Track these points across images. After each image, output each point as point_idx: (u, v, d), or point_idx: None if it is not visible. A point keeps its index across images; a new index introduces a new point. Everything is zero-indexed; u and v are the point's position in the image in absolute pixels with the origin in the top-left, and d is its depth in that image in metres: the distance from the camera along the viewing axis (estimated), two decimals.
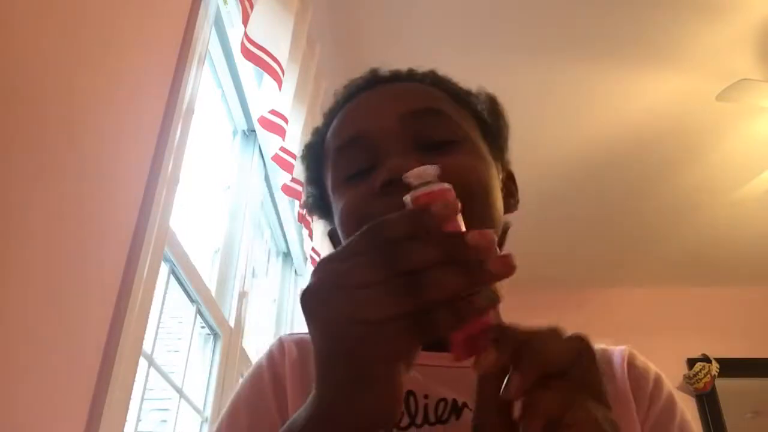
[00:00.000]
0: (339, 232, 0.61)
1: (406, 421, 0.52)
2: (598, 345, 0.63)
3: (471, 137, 0.60)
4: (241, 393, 0.60)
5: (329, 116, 0.67)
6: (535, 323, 0.37)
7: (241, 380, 0.62)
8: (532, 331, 0.36)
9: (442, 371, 0.54)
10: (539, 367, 0.34)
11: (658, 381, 0.60)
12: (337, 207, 0.61)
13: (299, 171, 1.88)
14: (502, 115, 0.67)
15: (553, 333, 0.36)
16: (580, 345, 0.36)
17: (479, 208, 0.55)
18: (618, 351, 0.63)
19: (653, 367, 0.62)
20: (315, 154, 0.68)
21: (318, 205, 0.68)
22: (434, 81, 0.65)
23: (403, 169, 0.51)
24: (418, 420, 0.52)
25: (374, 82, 0.65)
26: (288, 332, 0.60)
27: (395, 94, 0.62)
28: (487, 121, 0.65)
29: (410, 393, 0.53)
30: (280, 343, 0.62)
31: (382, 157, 0.56)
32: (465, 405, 0.52)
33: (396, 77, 0.66)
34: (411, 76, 0.66)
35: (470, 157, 0.57)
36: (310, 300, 0.35)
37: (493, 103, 0.67)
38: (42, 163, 0.79)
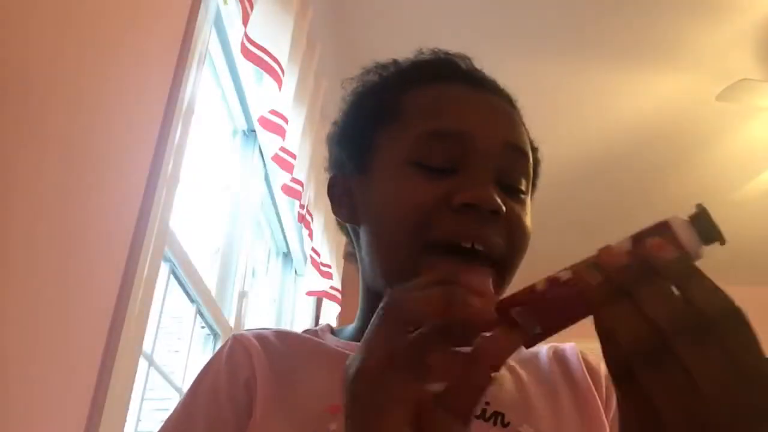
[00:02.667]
0: (373, 208, 0.59)
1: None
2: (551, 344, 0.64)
3: (530, 192, 0.61)
4: (197, 401, 0.57)
5: (403, 76, 0.64)
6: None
7: (195, 380, 0.60)
8: None
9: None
10: None
11: (609, 378, 0.61)
12: (389, 183, 0.58)
13: (299, 170, 1.88)
14: (539, 164, 0.65)
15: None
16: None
17: (518, 263, 0.57)
18: (569, 347, 0.64)
19: (602, 364, 0.62)
20: (376, 101, 0.63)
21: (347, 147, 0.64)
22: (517, 112, 0.64)
23: (491, 203, 0.52)
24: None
25: (471, 78, 0.64)
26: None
27: (508, 118, 0.60)
28: (535, 175, 0.63)
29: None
30: (239, 343, 0.59)
31: (469, 170, 0.54)
32: (510, 422, 0.54)
33: (486, 82, 0.64)
34: (498, 90, 0.64)
35: (527, 214, 0.58)
36: (363, 383, 0.36)
37: (537, 152, 0.65)
38: (42, 164, 0.79)
